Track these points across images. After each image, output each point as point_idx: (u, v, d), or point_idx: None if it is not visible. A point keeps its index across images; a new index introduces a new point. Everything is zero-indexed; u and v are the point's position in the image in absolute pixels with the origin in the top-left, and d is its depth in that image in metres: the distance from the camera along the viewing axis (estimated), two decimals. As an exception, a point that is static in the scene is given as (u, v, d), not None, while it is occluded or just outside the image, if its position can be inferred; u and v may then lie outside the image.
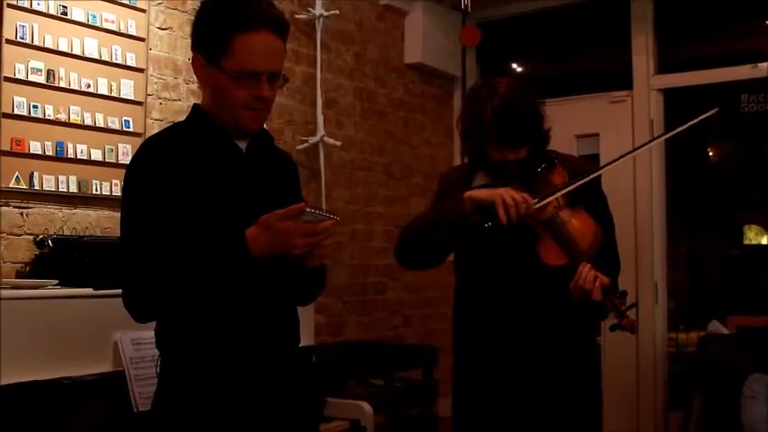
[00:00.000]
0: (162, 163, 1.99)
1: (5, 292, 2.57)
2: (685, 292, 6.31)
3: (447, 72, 5.22)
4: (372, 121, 4.70)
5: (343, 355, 4.01)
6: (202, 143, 2.05)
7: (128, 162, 3.21)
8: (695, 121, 2.58)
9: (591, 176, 2.58)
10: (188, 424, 2.00)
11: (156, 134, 2.12)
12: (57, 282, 2.80)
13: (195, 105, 2.14)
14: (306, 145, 4.17)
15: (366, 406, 3.45)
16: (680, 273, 6.23)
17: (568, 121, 4.82)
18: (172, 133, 2.10)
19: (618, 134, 4.71)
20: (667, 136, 2.86)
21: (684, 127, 2.64)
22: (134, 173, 2.03)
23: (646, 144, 2.92)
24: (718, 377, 3.85)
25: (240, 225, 1.94)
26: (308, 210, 1.92)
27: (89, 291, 2.74)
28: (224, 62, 1.98)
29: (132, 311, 1.98)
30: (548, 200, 2.54)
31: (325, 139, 4.18)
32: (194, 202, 1.97)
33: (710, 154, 5.97)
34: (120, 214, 2.04)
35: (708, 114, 2.57)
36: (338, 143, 4.27)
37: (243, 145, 2.09)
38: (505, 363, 2.68)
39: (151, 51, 3.48)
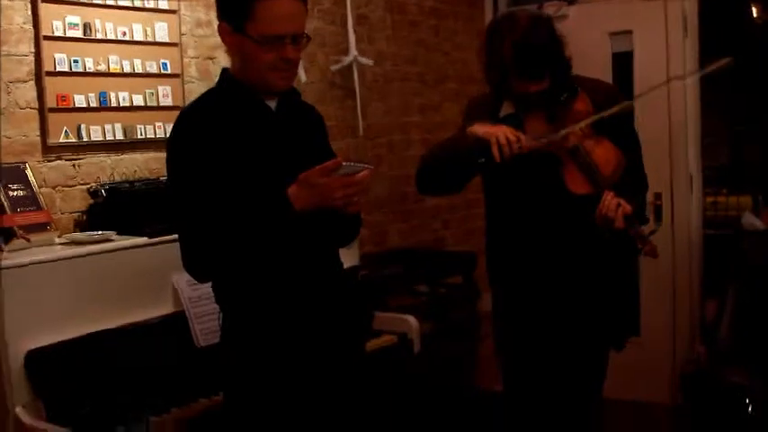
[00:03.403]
0: (200, 133, 2.14)
1: (70, 251, 2.77)
2: (725, 169, 6.29)
3: (477, -27, 5.18)
4: (404, 32, 4.71)
5: (387, 267, 4.17)
6: (235, 107, 2.19)
7: (169, 104, 3.43)
8: (710, 68, 2.64)
9: (596, 117, 2.66)
10: (253, 367, 2.22)
11: (190, 105, 2.26)
12: (115, 232, 2.98)
13: (224, 70, 2.27)
14: (339, 66, 4.22)
15: (412, 319, 3.63)
16: (720, 150, 6.19)
17: (601, 20, 4.82)
18: (205, 102, 2.24)
19: (651, 31, 4.66)
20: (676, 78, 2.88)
21: (703, 72, 2.70)
22: (175, 146, 2.18)
23: (659, 86, 2.94)
24: (751, 273, 3.95)
25: (280, 181, 2.09)
26: (344, 163, 2.06)
27: (145, 240, 2.93)
28: (248, 28, 2.10)
29: (194, 275, 2.18)
30: (541, 142, 2.63)
31: (359, 59, 4.23)
32: (235, 164, 2.13)
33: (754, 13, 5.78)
34: (169, 185, 2.19)
35: (722, 63, 2.62)
36: (371, 62, 4.31)
37: (272, 104, 2.23)
38: (540, 282, 2.83)
39: (181, -10, 3.53)
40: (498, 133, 2.59)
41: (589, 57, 4.47)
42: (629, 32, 4.78)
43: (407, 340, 3.59)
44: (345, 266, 3.54)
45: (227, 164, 2.11)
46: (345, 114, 4.32)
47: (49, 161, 3.10)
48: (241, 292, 2.23)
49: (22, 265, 2.59)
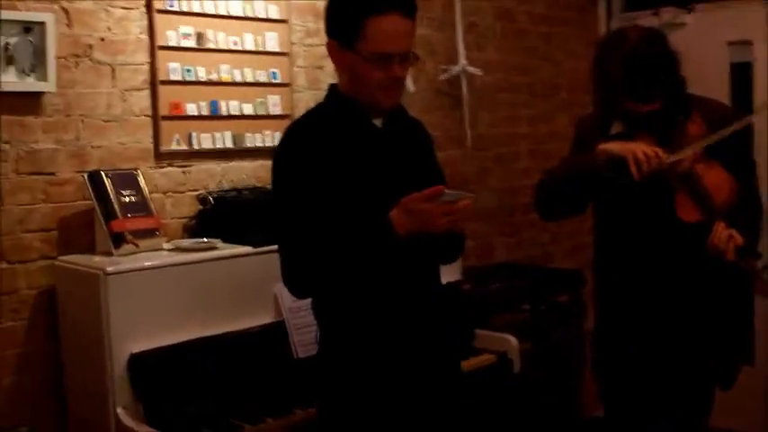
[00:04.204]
0: (308, 148, 2.14)
1: (176, 258, 2.84)
2: None
3: (590, -22, 5.06)
4: (513, 41, 4.64)
5: (491, 282, 4.11)
6: (342, 124, 2.18)
7: (278, 113, 3.46)
8: None
9: (726, 131, 2.53)
10: (348, 383, 2.21)
11: (300, 119, 2.27)
12: (219, 240, 3.03)
13: (332, 86, 2.27)
14: (448, 75, 4.19)
15: (512, 339, 3.56)
16: None
17: (720, 28, 4.63)
18: (313, 117, 2.25)
19: (773, 41, 4.46)
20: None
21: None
22: (283, 160, 2.19)
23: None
24: None
25: (385, 201, 2.08)
26: (446, 191, 2.04)
27: (249, 249, 2.96)
28: (358, 46, 2.09)
29: (293, 291, 2.19)
30: (680, 156, 2.52)
31: (467, 68, 4.19)
32: (341, 182, 2.12)
33: None
34: (273, 197, 2.20)
35: None
36: (479, 72, 4.26)
37: (378, 122, 2.21)
38: (647, 310, 2.73)
39: (292, 1, 3.56)
40: (635, 149, 2.48)
41: (706, 67, 4.33)
42: (749, 43, 4.57)
43: (507, 360, 3.53)
44: (447, 281, 3.52)
45: (333, 181, 2.11)
46: (452, 124, 4.29)
47: (160, 167, 3.18)
48: (339, 308, 2.23)
49: (128, 271, 2.66)
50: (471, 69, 4.21)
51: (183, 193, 3.24)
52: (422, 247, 2.15)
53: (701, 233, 2.49)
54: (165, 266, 2.76)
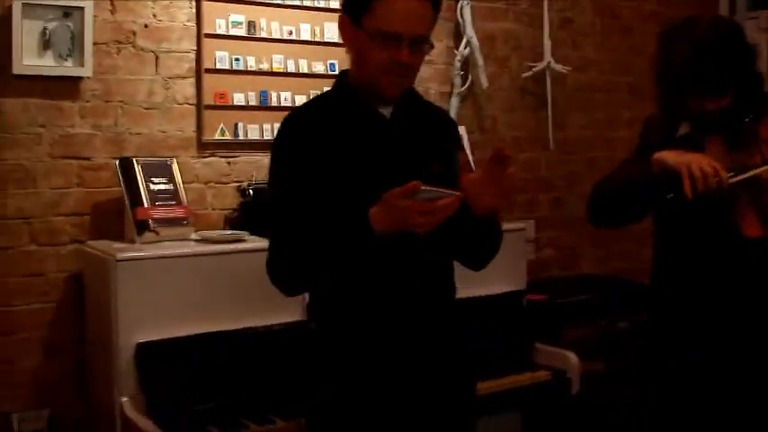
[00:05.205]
0: (302, 137, 2.00)
1: (197, 248, 2.77)
2: None
3: (713, -28, 4.66)
4: (615, 38, 4.32)
5: (570, 294, 3.83)
6: (346, 114, 2.02)
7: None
8: None
9: None
10: (339, 385, 2.05)
11: (300, 107, 2.13)
12: (248, 233, 2.94)
13: (341, 73, 2.11)
14: (530, 72, 3.95)
15: (572, 356, 3.30)
16: None
17: None
18: (314, 106, 2.10)
19: None
20: None
21: None
22: (279, 150, 2.05)
23: None
24: None
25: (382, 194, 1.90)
26: (424, 187, 1.83)
27: (278, 243, 2.85)
28: (365, 21, 1.93)
29: (277, 286, 2.05)
30: (743, 176, 2.19)
31: (552, 65, 3.93)
32: (339, 175, 1.96)
33: None
34: (268, 190, 2.08)
35: None
36: (565, 70, 3.98)
37: (387, 111, 2.03)
38: (705, 332, 2.43)
39: (357, -9, 3.44)
40: (692, 163, 2.18)
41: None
42: None
43: (565, 379, 3.27)
44: (507, 290, 3.34)
45: (327, 173, 1.96)
46: (536, 125, 4.03)
47: (203, 157, 3.13)
48: (331, 307, 2.07)
49: (140, 259, 2.61)
50: (557, 67, 3.94)
51: (226, 184, 3.19)
52: (408, 245, 1.96)
53: (765, 249, 2.18)
54: (181, 256, 2.70)
